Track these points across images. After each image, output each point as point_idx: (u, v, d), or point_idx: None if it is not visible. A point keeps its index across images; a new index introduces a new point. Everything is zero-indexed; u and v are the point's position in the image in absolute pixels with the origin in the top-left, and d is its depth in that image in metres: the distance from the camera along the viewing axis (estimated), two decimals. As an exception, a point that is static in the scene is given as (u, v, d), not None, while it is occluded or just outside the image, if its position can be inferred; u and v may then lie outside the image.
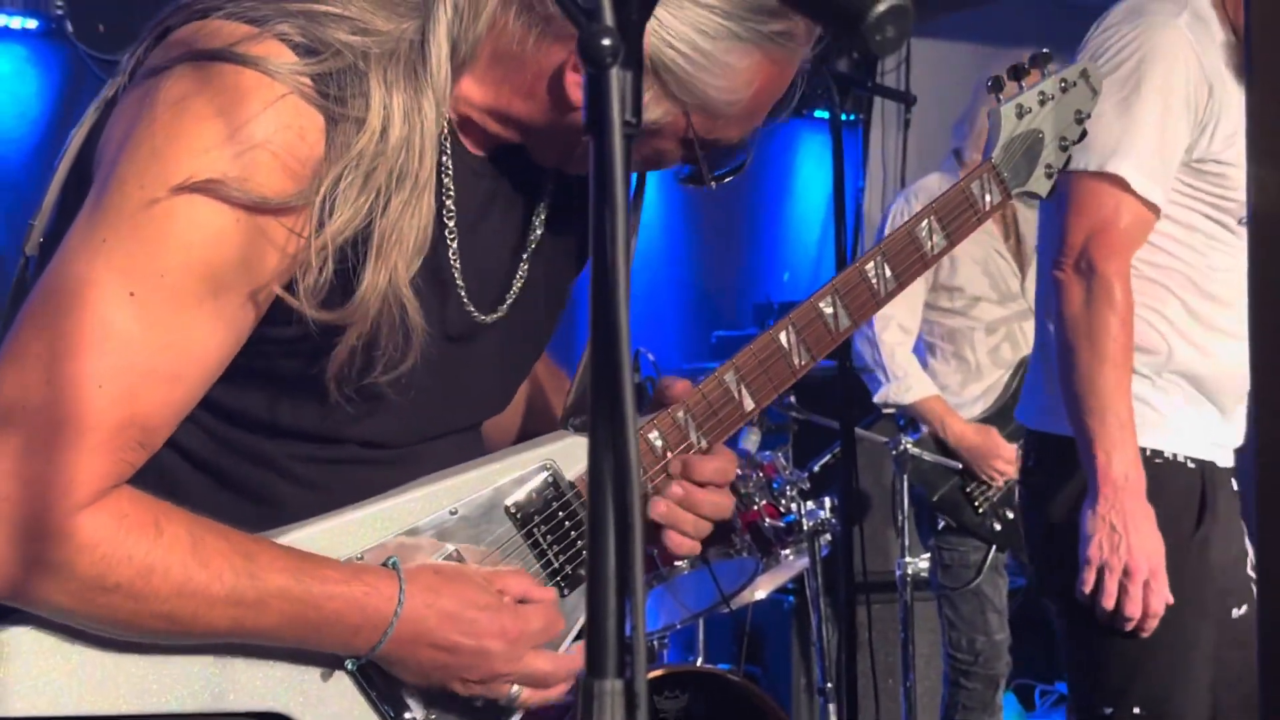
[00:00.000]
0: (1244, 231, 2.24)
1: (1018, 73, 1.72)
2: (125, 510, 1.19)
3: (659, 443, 1.46)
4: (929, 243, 1.58)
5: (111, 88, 1.29)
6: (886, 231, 3.95)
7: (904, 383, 3.80)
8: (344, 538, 1.31)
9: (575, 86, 1.30)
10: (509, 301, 1.41)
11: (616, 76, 0.75)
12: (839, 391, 3.42)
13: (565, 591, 1.43)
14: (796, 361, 1.51)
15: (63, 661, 1.20)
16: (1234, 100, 2.23)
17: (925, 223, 1.58)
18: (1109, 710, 2.21)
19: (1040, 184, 1.72)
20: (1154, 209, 2.20)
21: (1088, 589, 2.15)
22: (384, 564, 1.31)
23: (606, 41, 0.73)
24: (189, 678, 1.25)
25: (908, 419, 3.99)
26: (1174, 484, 2.23)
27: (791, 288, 5.82)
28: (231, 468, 1.31)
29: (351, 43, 1.23)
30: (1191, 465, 2.26)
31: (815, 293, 1.54)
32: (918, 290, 3.89)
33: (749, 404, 1.50)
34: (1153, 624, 2.15)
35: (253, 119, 1.18)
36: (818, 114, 6.19)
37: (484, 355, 1.41)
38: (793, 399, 3.97)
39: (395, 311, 1.25)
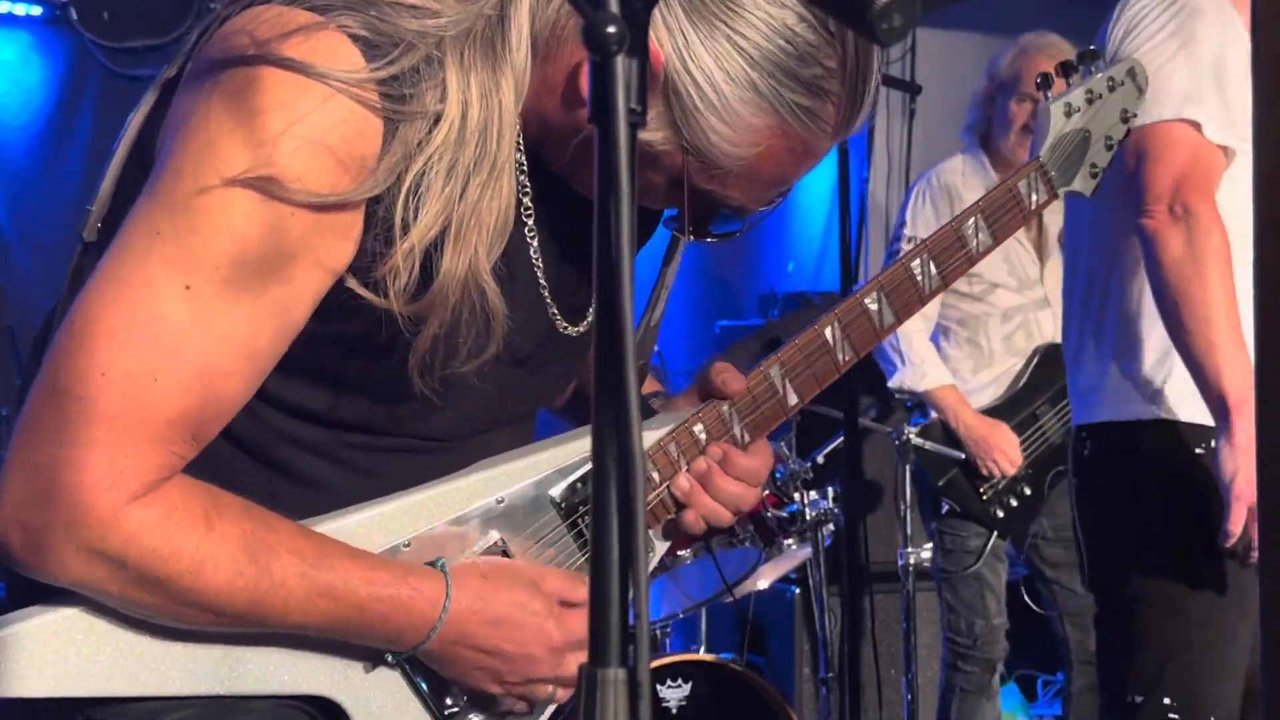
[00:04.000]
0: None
1: (1066, 70, 1.72)
2: (175, 503, 1.19)
3: (703, 436, 1.46)
4: (974, 240, 1.58)
5: (173, 68, 1.27)
6: (907, 215, 3.94)
7: (920, 369, 3.80)
8: (392, 524, 1.32)
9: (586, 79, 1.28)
10: (592, 315, 1.40)
11: (621, 64, 0.75)
12: (843, 381, 3.41)
13: None
14: (841, 357, 1.51)
15: (112, 643, 1.22)
16: None
17: (972, 221, 1.58)
18: (1139, 699, 2.20)
19: (1085, 183, 1.71)
20: (1229, 153, 2.21)
21: (1238, 528, 2.11)
22: (431, 563, 1.31)
23: (612, 29, 0.72)
24: (236, 661, 1.26)
25: (916, 403, 3.99)
26: None
27: (796, 278, 5.81)
28: (287, 458, 1.31)
29: (425, 30, 1.20)
30: None
31: (861, 288, 1.53)
32: None
33: (793, 399, 1.50)
34: (1255, 556, 2.10)
35: (311, 113, 1.16)
36: (823, 104, 6.19)
37: (556, 366, 1.41)
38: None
39: (475, 298, 1.24)
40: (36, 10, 4.72)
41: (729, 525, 1.48)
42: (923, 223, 3.90)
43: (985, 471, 3.79)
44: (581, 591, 1.36)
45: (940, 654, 4.10)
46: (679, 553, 3.29)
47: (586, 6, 0.73)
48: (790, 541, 3.49)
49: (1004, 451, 3.77)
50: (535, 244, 1.32)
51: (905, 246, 3.89)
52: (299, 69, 1.16)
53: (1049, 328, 3.83)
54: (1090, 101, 1.71)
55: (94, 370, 1.15)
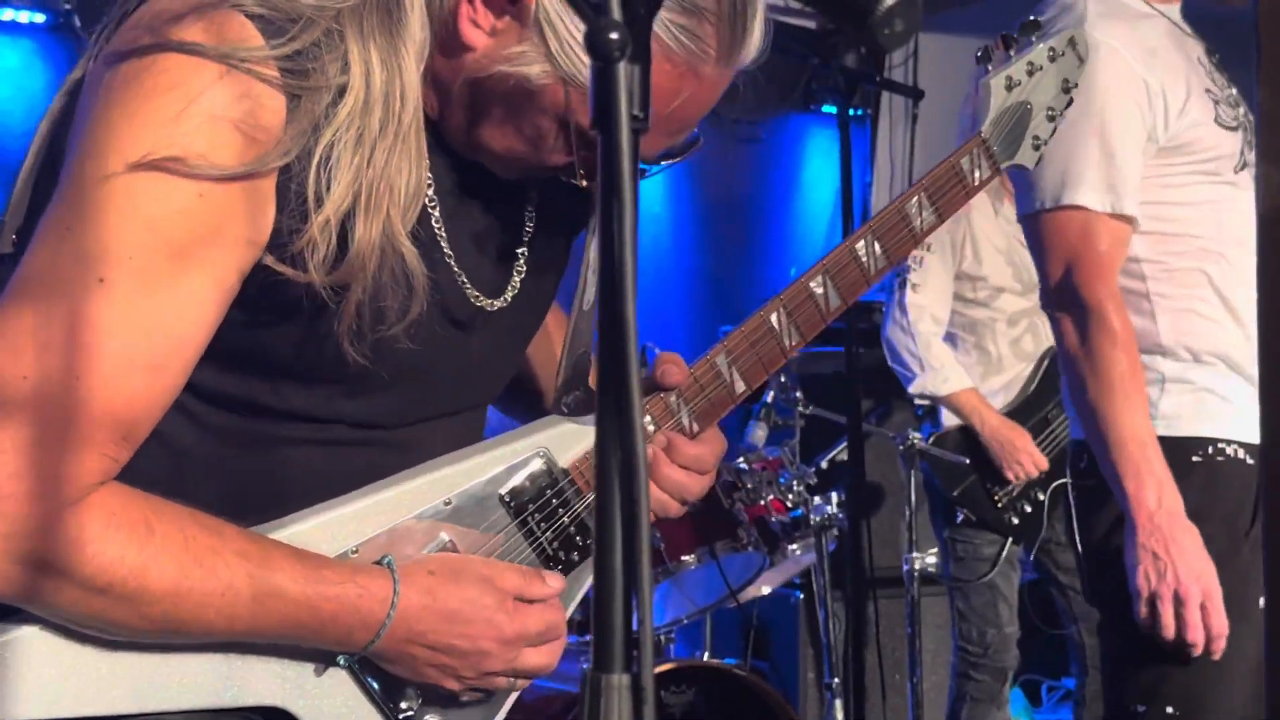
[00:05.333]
0: (1244, 177, 2.24)
1: (1007, 43, 1.70)
2: (113, 508, 1.17)
3: (651, 427, 1.46)
4: (918, 219, 1.57)
5: (79, 69, 1.26)
6: None
7: (940, 373, 3.79)
8: (338, 531, 1.30)
9: (468, 22, 1.24)
10: (511, 291, 1.40)
11: (624, 70, 0.75)
12: (847, 387, 3.41)
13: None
14: (787, 342, 1.50)
15: (59, 663, 1.19)
16: (1173, 67, 2.22)
17: (915, 199, 1.57)
18: (1141, 709, 2.19)
19: (1028, 156, 1.70)
20: (1126, 219, 2.19)
21: (1142, 620, 2.11)
22: (379, 562, 1.30)
23: (614, 35, 0.72)
24: (186, 676, 1.24)
25: (927, 410, 3.98)
26: (1233, 483, 2.20)
27: (799, 283, 5.79)
28: (225, 459, 1.30)
29: (322, 4, 1.20)
30: (1250, 461, 2.22)
31: (805, 272, 1.52)
32: (947, 281, 3.88)
33: (740, 386, 1.50)
34: (1220, 645, 2.10)
35: (210, 89, 1.15)
36: (825, 109, 6.19)
37: (481, 343, 1.39)
38: (799, 394, 3.97)
39: (394, 263, 1.23)
40: (40, 18, 4.73)
41: (678, 514, 1.46)
42: None
43: (1010, 475, 3.77)
44: (537, 588, 1.36)
45: (944, 659, 4.10)
46: (683, 558, 3.29)
47: (589, 12, 0.73)
48: (794, 547, 3.48)
49: (1029, 453, 3.77)
50: (437, 214, 1.31)
51: (913, 253, 3.89)
52: (196, 51, 1.16)
53: None
54: (1031, 74, 1.69)
55: (16, 376, 1.12)
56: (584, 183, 1.31)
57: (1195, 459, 2.18)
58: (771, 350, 1.50)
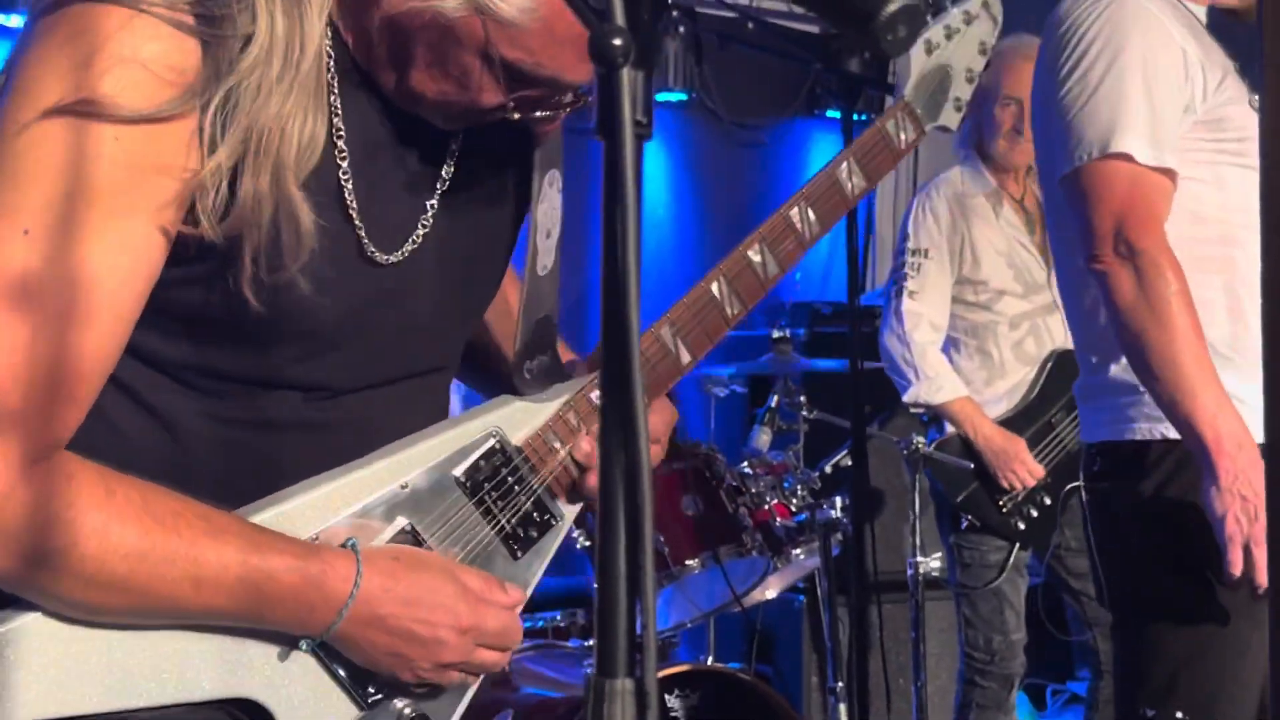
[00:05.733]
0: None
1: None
2: (70, 471, 1.16)
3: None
4: (849, 184, 1.62)
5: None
6: (909, 229, 3.94)
7: (935, 382, 3.79)
8: (295, 521, 1.30)
9: None
10: (411, 245, 1.37)
11: (627, 76, 0.75)
12: (850, 390, 3.41)
13: (519, 553, 1.44)
14: (729, 311, 1.54)
15: (25, 667, 1.18)
16: (1208, 46, 2.23)
17: (844, 165, 1.62)
18: (1151, 713, 2.17)
19: (950, 117, 1.76)
20: (1169, 174, 2.18)
21: (1238, 570, 2.07)
22: (342, 545, 1.30)
23: (618, 41, 0.73)
24: (154, 671, 1.23)
25: (931, 417, 3.97)
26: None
27: (803, 288, 5.81)
28: (174, 438, 1.28)
29: None
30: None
31: (742, 242, 1.56)
32: (945, 286, 3.88)
33: (686, 358, 1.52)
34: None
35: (120, 33, 1.15)
36: (829, 113, 6.20)
37: (394, 299, 1.37)
38: (804, 398, 3.97)
39: (286, 210, 1.22)
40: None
41: None
42: (925, 235, 3.89)
43: (1005, 484, 3.77)
44: (498, 594, 1.36)
45: (949, 664, 4.10)
46: (687, 562, 3.29)
47: (592, 18, 0.73)
48: (798, 551, 3.48)
49: (1024, 463, 3.75)
50: (345, 165, 1.30)
51: (910, 260, 3.89)
52: (107, 1, 1.16)
53: (1059, 332, 3.80)
54: (949, 37, 1.75)
55: None
56: (516, 118, 1.30)
57: None
58: (715, 320, 1.54)
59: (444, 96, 1.29)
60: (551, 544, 1.46)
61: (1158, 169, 2.17)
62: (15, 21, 4.73)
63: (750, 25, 5.52)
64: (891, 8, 0.70)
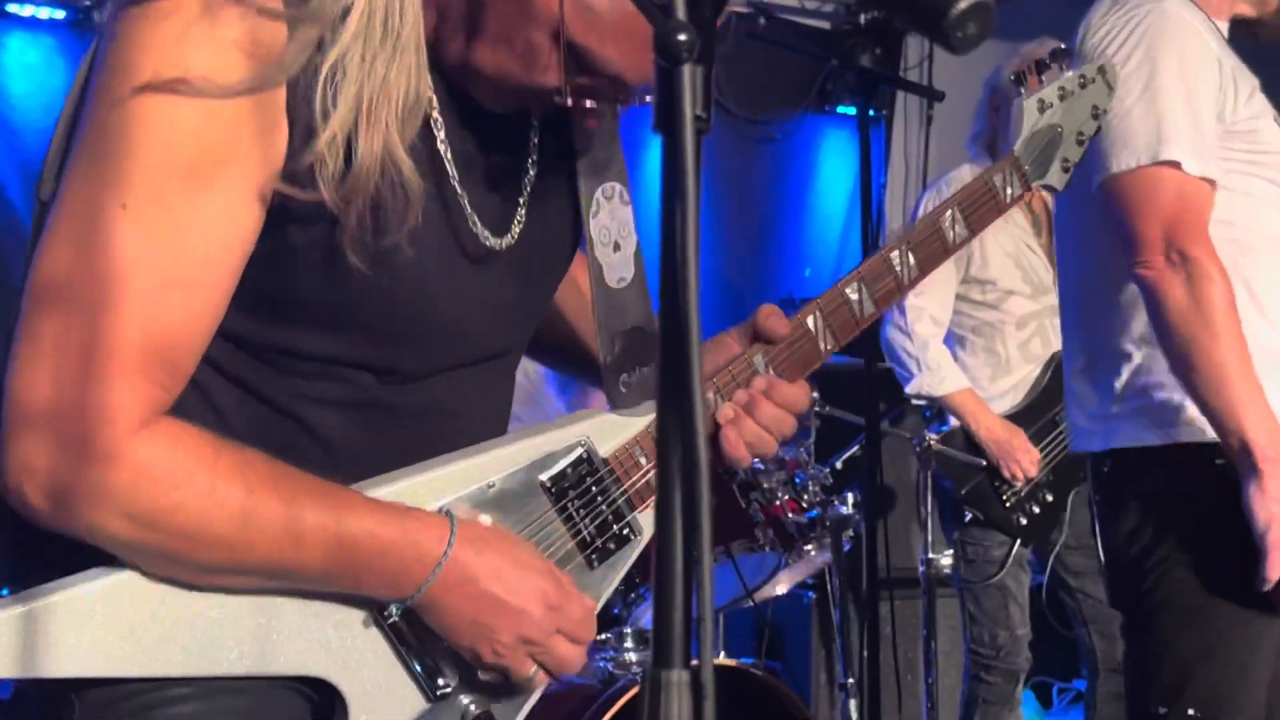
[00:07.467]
0: None
1: (1040, 68, 1.75)
2: (176, 434, 1.20)
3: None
4: (952, 233, 1.64)
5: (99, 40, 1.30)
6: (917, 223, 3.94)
7: (937, 374, 3.80)
8: None
9: None
10: (516, 232, 1.40)
11: (689, 72, 0.75)
12: (863, 387, 3.42)
13: (595, 564, 1.46)
14: (823, 346, 1.56)
15: (108, 626, 1.21)
16: (1238, 64, 2.26)
17: (950, 213, 1.64)
18: (1163, 710, 2.19)
19: (1057, 177, 1.76)
20: (1211, 183, 2.20)
21: (1274, 576, 2.08)
22: (436, 512, 1.32)
23: (682, 37, 0.73)
24: (234, 642, 1.26)
25: (935, 411, 3.98)
26: None
27: (814, 283, 5.81)
28: (259, 418, 1.31)
29: None
30: None
31: (842, 279, 1.58)
32: (949, 282, 3.89)
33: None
34: None
35: (206, 12, 1.18)
36: (841, 109, 6.20)
37: (491, 285, 1.40)
38: (815, 394, 3.98)
39: (393, 175, 1.24)
40: (60, 14, 4.74)
41: (771, 453, 1.51)
42: None
43: (1007, 475, 3.78)
44: (574, 591, 1.37)
45: (959, 660, 4.09)
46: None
47: (657, 14, 0.73)
48: (810, 547, 3.49)
49: (1026, 452, 3.77)
50: (442, 135, 1.32)
51: None
52: None
53: None
54: (1063, 98, 1.76)
55: (58, 311, 1.16)
56: (568, 103, 1.30)
57: (1219, 461, 2.18)
58: (809, 352, 1.56)
59: (502, 71, 1.29)
60: (627, 558, 1.48)
61: (1202, 179, 2.18)
62: (29, 11, 4.73)
63: (762, 21, 5.52)
64: (962, 5, 0.70)
